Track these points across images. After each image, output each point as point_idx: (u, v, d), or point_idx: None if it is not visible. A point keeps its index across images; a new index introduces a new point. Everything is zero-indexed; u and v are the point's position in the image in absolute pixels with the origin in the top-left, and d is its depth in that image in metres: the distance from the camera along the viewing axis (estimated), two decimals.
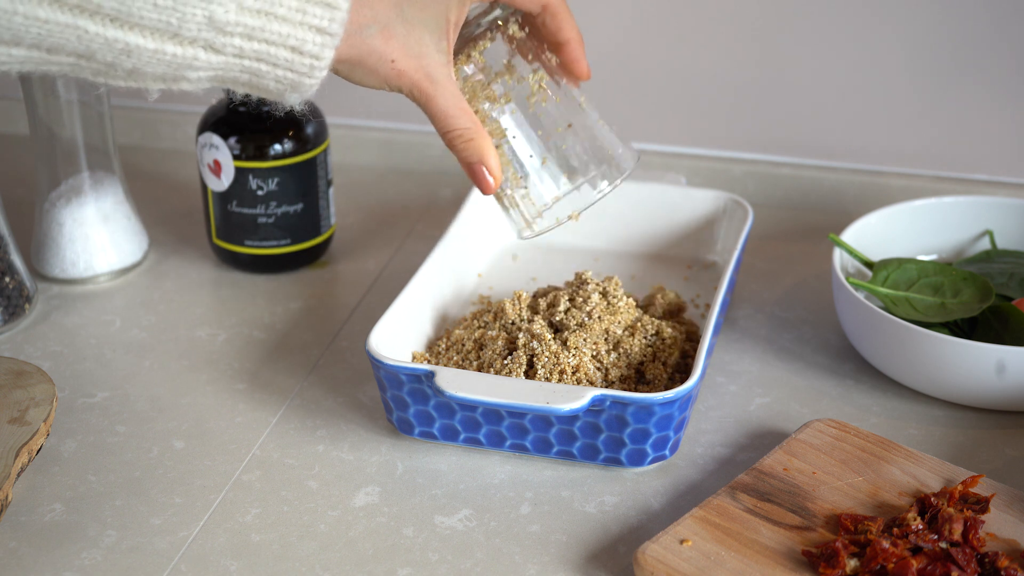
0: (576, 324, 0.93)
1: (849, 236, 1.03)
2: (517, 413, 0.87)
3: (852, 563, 0.77)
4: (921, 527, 0.79)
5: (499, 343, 0.92)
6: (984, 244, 1.08)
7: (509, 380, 0.87)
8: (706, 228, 1.11)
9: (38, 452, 0.88)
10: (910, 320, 0.95)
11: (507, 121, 0.88)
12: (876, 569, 0.76)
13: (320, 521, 0.85)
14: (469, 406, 0.88)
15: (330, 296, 1.10)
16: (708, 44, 1.20)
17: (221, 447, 0.92)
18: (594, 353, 0.92)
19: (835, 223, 1.15)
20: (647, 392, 0.89)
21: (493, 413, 0.88)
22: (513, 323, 0.95)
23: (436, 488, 0.88)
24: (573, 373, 0.90)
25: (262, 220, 1.09)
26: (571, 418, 0.87)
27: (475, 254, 1.09)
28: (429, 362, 0.95)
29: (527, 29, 0.90)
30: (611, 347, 0.93)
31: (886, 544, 0.77)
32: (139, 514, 0.86)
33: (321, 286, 1.12)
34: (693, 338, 0.97)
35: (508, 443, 0.89)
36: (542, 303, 0.96)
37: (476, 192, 1.10)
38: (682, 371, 0.93)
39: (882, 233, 1.06)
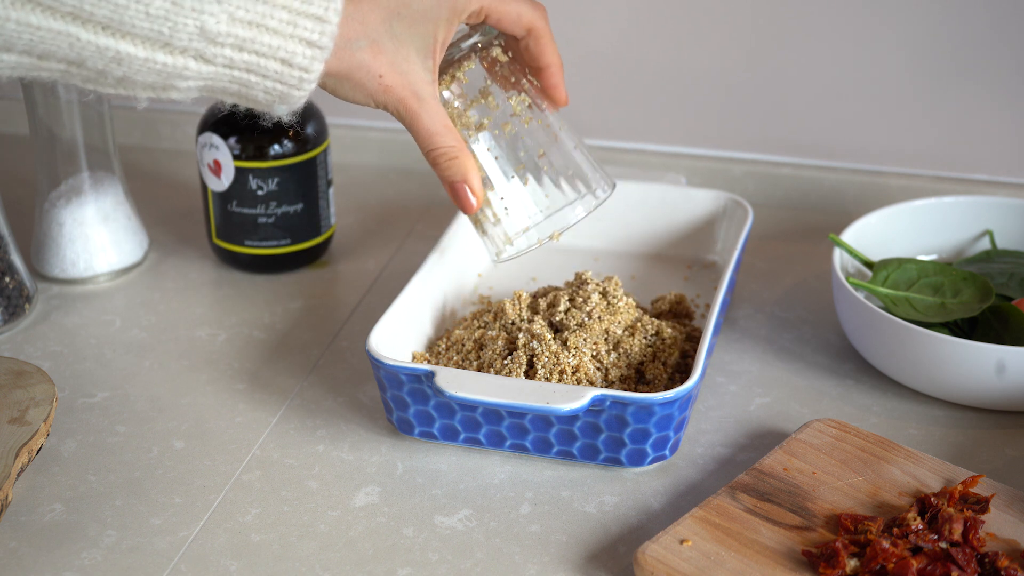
0: (576, 324, 0.93)
1: (849, 236, 1.03)
2: (517, 413, 0.87)
3: (852, 563, 0.77)
4: (921, 527, 0.79)
5: (499, 343, 0.92)
6: (984, 244, 1.08)
7: (509, 380, 0.87)
8: (706, 228, 1.11)
9: (38, 452, 0.88)
10: (910, 320, 0.95)
11: (484, 146, 0.89)
12: (876, 569, 0.76)
13: (320, 521, 0.85)
14: (469, 406, 0.88)
15: (330, 296, 1.10)
16: (708, 44, 1.20)
17: (221, 447, 0.92)
18: (594, 353, 0.92)
19: (835, 223, 1.15)
20: (647, 392, 0.89)
21: (493, 413, 0.88)
22: (513, 323, 0.95)
23: (436, 488, 0.88)
24: (573, 373, 0.90)
25: (262, 220, 1.09)
26: (571, 418, 0.87)
27: (475, 254, 1.09)
28: (429, 362, 0.95)
29: (510, 53, 0.91)
30: (611, 347, 0.93)
31: (886, 544, 0.77)
32: (139, 514, 0.86)
33: (321, 286, 1.12)
34: (693, 338, 0.97)
35: (508, 443, 0.89)
36: (542, 303, 0.96)
37: None
38: (682, 371, 0.93)
39: (882, 233, 1.06)
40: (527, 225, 0.90)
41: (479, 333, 0.94)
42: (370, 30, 0.80)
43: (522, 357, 0.91)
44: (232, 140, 1.07)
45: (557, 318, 0.94)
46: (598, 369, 0.91)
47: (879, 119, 1.20)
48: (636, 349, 0.93)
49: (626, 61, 1.22)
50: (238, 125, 1.07)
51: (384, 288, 1.10)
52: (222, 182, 1.09)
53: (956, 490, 0.82)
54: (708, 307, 1.03)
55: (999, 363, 0.90)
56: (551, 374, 0.90)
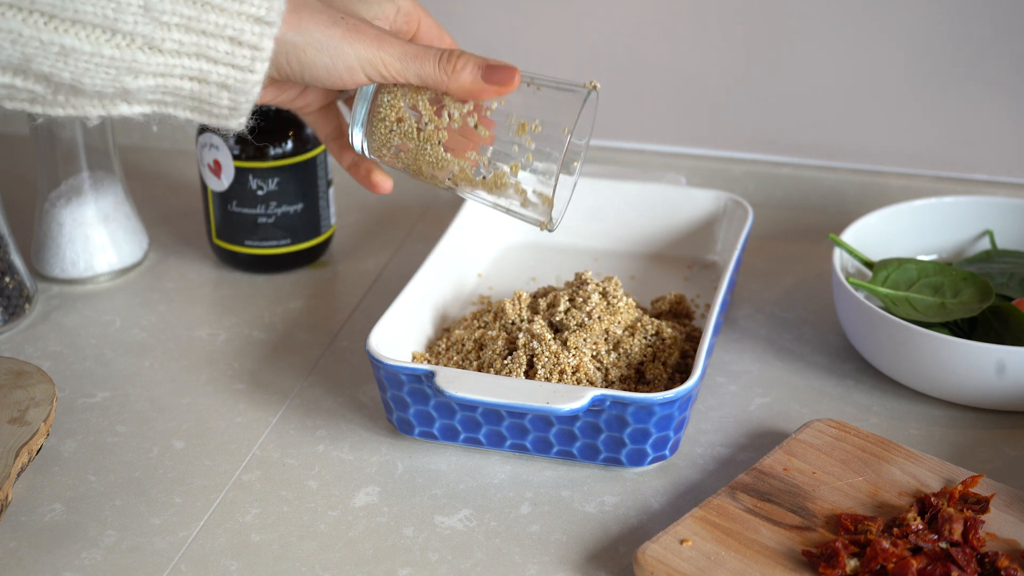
0: (576, 324, 0.93)
1: (849, 236, 1.03)
2: (517, 413, 0.87)
3: (852, 563, 0.77)
4: (921, 527, 0.79)
5: (499, 343, 0.92)
6: (984, 244, 1.08)
7: (509, 380, 0.87)
8: (706, 228, 1.11)
9: (38, 452, 0.88)
10: (910, 320, 0.95)
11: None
12: (876, 569, 0.76)
13: (320, 521, 0.85)
14: (469, 406, 0.88)
15: (330, 296, 1.10)
16: (708, 44, 1.20)
17: (221, 447, 0.92)
18: (594, 353, 0.92)
19: (835, 223, 1.15)
20: (647, 392, 0.89)
21: (493, 413, 0.88)
22: (513, 323, 0.95)
23: (436, 488, 0.88)
24: (573, 373, 0.90)
25: (262, 220, 1.09)
26: (571, 418, 0.87)
27: (475, 254, 1.09)
28: (429, 362, 0.95)
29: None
30: (611, 347, 0.93)
31: (886, 544, 0.77)
32: (139, 514, 0.86)
33: (321, 286, 1.12)
34: (693, 338, 0.97)
35: (508, 443, 0.89)
36: (542, 303, 0.96)
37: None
38: (682, 371, 0.93)
39: (882, 233, 1.06)
40: (550, 173, 0.84)
41: (479, 333, 0.94)
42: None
43: (522, 357, 0.91)
44: (232, 140, 1.07)
45: (557, 318, 0.94)
46: (598, 369, 0.91)
47: (879, 119, 1.20)
48: (636, 349, 0.93)
49: (626, 61, 1.22)
50: None
51: (384, 288, 1.10)
52: (222, 182, 1.09)
53: (956, 490, 0.82)
54: (708, 307, 1.03)
55: (999, 363, 0.90)
56: (551, 374, 0.90)
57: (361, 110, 0.85)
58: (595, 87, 0.84)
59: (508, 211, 0.87)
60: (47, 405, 0.90)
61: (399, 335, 0.94)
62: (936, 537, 0.78)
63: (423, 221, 1.21)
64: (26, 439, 0.86)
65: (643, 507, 0.86)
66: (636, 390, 0.91)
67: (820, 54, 1.18)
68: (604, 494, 0.87)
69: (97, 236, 1.11)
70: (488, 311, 0.97)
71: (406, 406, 0.90)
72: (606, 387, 0.90)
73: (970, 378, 0.92)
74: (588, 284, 0.96)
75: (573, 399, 0.84)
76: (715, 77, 1.21)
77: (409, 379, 0.88)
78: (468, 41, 1.14)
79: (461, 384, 0.85)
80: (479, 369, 0.92)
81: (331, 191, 1.12)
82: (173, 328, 1.06)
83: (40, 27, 0.70)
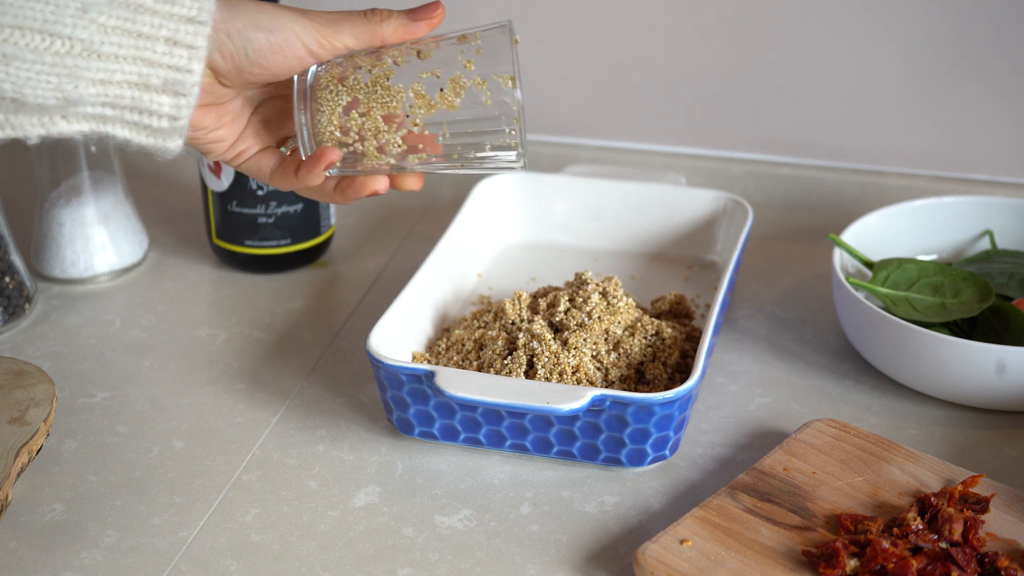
0: (576, 324, 0.93)
1: (849, 236, 1.03)
2: (517, 413, 0.87)
3: (852, 563, 0.77)
4: (921, 527, 0.79)
5: (499, 343, 0.92)
6: (984, 244, 1.08)
7: (509, 380, 0.87)
8: (706, 228, 1.11)
9: (38, 452, 0.88)
10: (910, 320, 0.95)
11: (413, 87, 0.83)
12: (876, 569, 0.76)
13: (320, 521, 0.85)
14: (469, 406, 0.88)
15: (330, 296, 1.10)
16: (708, 44, 1.20)
17: (221, 447, 0.92)
18: (594, 353, 0.92)
19: (835, 223, 1.15)
20: (647, 392, 0.89)
21: (493, 413, 0.88)
22: (513, 323, 0.95)
23: (436, 488, 0.88)
24: (573, 373, 0.90)
25: (262, 220, 1.09)
26: (571, 418, 0.87)
27: (475, 254, 1.09)
28: (429, 362, 0.95)
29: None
30: (611, 347, 0.93)
31: (886, 544, 0.77)
32: (139, 514, 0.86)
33: (321, 286, 1.12)
34: (693, 338, 0.97)
35: (508, 443, 0.89)
36: (542, 303, 0.96)
37: (476, 192, 1.11)
38: (682, 371, 0.93)
39: (882, 233, 1.06)
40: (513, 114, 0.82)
41: (479, 333, 0.94)
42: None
43: (522, 357, 0.91)
44: None
45: (557, 318, 0.94)
46: (598, 369, 0.91)
47: (879, 119, 1.20)
48: (636, 349, 0.93)
49: (626, 61, 1.22)
50: None
51: (384, 288, 1.10)
52: (222, 182, 1.09)
53: (956, 490, 0.82)
54: (708, 307, 1.03)
55: (999, 363, 0.90)
56: (551, 374, 0.90)
57: (302, 112, 0.83)
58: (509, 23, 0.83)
59: (476, 149, 0.83)
60: (47, 405, 0.90)
61: (399, 335, 0.94)
62: (936, 537, 0.78)
63: (423, 221, 1.21)
64: (26, 439, 0.86)
65: (643, 507, 0.86)
66: (636, 390, 0.91)
67: (820, 54, 1.18)
68: (604, 494, 0.87)
69: (97, 236, 1.11)
70: (488, 311, 0.97)
71: (406, 406, 0.90)
72: (606, 387, 0.90)
73: (970, 378, 0.92)
74: (588, 284, 0.96)
75: (573, 399, 0.84)
76: (715, 77, 1.21)
77: (409, 379, 0.88)
78: None
79: (461, 384, 0.85)
80: (479, 369, 0.92)
81: None
82: (173, 328, 1.06)
83: None
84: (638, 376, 0.92)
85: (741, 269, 1.11)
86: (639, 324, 0.94)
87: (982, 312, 0.97)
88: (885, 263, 1.00)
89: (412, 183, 0.84)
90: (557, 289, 0.99)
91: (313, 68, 0.82)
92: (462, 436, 0.90)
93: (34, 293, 1.07)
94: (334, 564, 0.82)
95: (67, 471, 0.90)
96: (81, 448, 0.92)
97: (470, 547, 0.83)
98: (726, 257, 1.08)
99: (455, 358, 0.94)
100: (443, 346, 0.95)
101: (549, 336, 0.91)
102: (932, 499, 0.81)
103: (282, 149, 0.85)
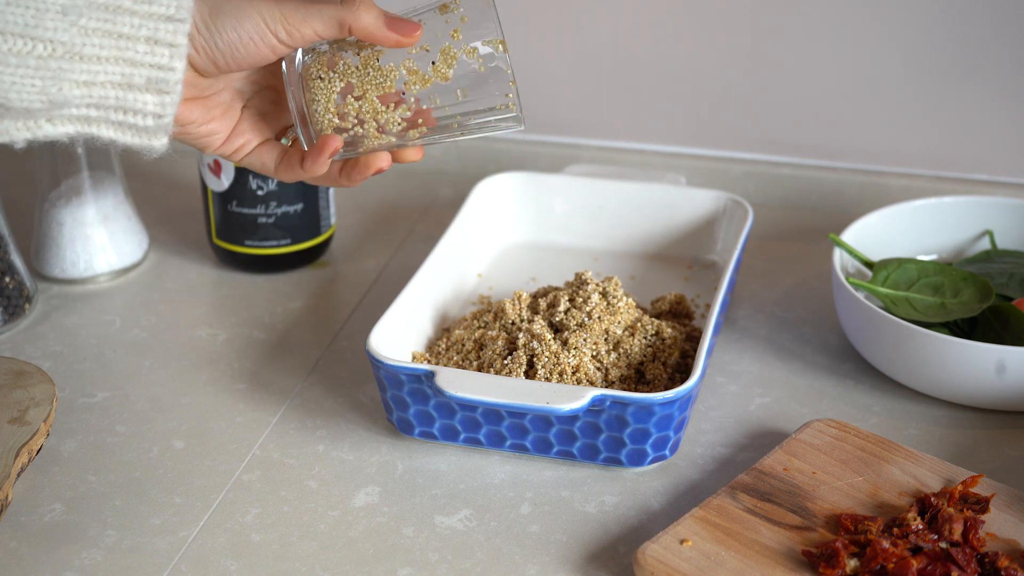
0: (576, 324, 0.93)
1: (849, 236, 1.03)
2: (517, 413, 0.87)
3: (852, 563, 0.77)
4: (921, 527, 0.79)
5: (499, 343, 0.92)
6: (984, 244, 1.08)
7: (509, 380, 0.87)
8: (706, 228, 1.11)
9: (38, 452, 0.88)
10: (910, 320, 0.95)
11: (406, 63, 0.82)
12: (876, 569, 0.76)
13: (320, 521, 0.85)
14: (469, 406, 0.88)
15: (330, 296, 1.10)
16: (708, 44, 1.20)
17: (221, 447, 0.92)
18: (594, 353, 0.92)
19: (835, 223, 1.15)
20: (647, 392, 0.89)
21: (493, 413, 0.88)
22: (513, 323, 0.95)
23: (436, 488, 0.88)
24: (573, 373, 0.90)
25: (262, 220, 1.09)
26: (571, 418, 0.87)
27: (475, 254, 1.09)
28: (429, 362, 0.95)
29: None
30: (611, 347, 0.93)
31: (886, 544, 0.77)
32: (139, 514, 0.86)
33: (321, 286, 1.12)
34: (693, 338, 0.97)
35: (508, 443, 0.89)
36: (542, 303, 0.96)
37: (476, 192, 1.10)
38: (682, 371, 0.93)
39: (882, 233, 1.06)
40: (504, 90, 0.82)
41: (479, 333, 0.94)
42: None
43: (522, 357, 0.91)
44: None
45: (557, 318, 0.94)
46: (598, 369, 0.91)
47: (879, 119, 1.20)
48: (636, 349, 0.93)
49: (626, 61, 1.22)
50: None
51: (384, 288, 1.10)
52: (222, 182, 1.09)
53: (956, 490, 0.82)
54: (708, 307, 1.03)
55: (999, 363, 0.90)
56: (551, 374, 0.90)
57: (298, 102, 0.83)
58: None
59: (475, 115, 0.83)
60: (47, 405, 0.90)
61: (399, 335, 0.94)
62: (936, 537, 0.78)
63: (423, 221, 1.21)
64: (26, 439, 0.86)
65: (643, 507, 0.86)
66: (636, 390, 0.91)
67: (820, 54, 1.18)
68: (604, 494, 0.87)
69: (97, 236, 1.11)
70: (488, 311, 0.97)
71: (406, 406, 0.90)
72: (606, 387, 0.90)
73: (970, 378, 0.92)
74: (588, 284, 0.96)
75: (573, 399, 0.84)
76: (715, 77, 1.21)
77: (409, 379, 0.88)
78: None
79: (461, 384, 0.85)
80: (479, 369, 0.92)
81: (331, 191, 1.12)
82: (173, 328, 1.06)
83: None
84: (638, 376, 0.92)
85: (741, 269, 1.11)
86: (639, 324, 0.94)
87: (982, 312, 0.97)
88: (885, 263, 1.00)
89: (413, 155, 0.84)
90: (557, 289, 0.99)
91: (299, 55, 0.81)
92: (462, 436, 0.90)
93: (34, 293, 1.07)
94: (334, 564, 0.82)
95: (67, 471, 0.90)
96: (81, 448, 0.92)
97: (470, 547, 0.83)
98: (726, 257, 1.08)
99: (455, 358, 0.94)
100: (443, 346, 0.95)
101: (549, 336, 0.91)
102: (932, 499, 0.81)
103: (283, 140, 0.85)
